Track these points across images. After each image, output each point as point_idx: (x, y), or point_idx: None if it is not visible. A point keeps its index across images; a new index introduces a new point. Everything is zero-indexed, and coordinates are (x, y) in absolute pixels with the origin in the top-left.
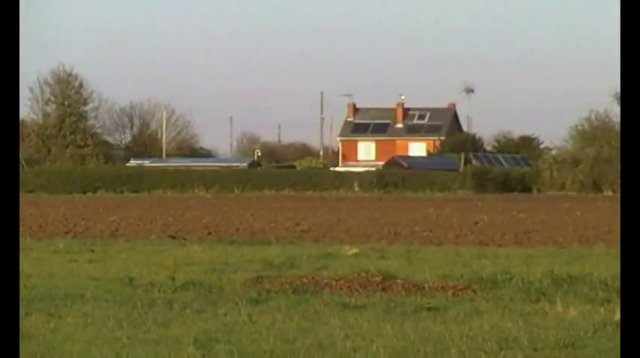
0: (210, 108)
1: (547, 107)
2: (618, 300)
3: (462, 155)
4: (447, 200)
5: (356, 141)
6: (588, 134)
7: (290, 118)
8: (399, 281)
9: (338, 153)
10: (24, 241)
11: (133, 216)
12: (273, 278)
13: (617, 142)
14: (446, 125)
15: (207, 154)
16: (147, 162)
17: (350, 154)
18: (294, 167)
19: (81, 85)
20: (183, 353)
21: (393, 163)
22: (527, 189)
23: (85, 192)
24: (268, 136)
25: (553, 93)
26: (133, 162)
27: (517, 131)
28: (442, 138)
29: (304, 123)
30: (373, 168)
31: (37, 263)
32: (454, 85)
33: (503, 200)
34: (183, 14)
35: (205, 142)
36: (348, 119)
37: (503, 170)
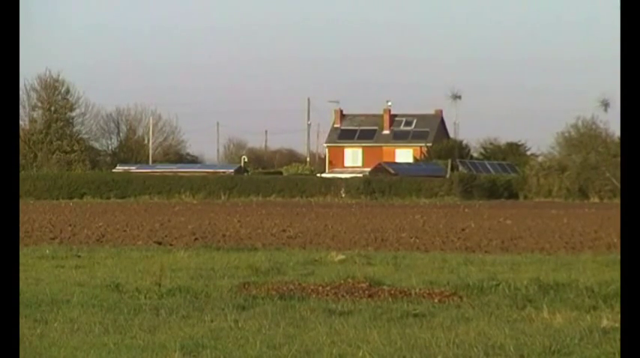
0: (197, 114)
1: (534, 114)
2: (605, 307)
3: (449, 161)
4: (433, 206)
5: (343, 147)
6: (575, 141)
7: (277, 124)
8: (386, 287)
9: (325, 159)
10: None
11: (120, 221)
12: (260, 285)
13: (603, 149)
14: (433, 131)
15: (193, 160)
16: (133, 168)
17: (337, 160)
18: (280, 173)
19: (67, 91)
20: None
21: (380, 169)
22: (513, 195)
23: (71, 198)
24: (255, 142)
25: (540, 100)
26: (119, 168)
27: (504, 138)
28: (429, 144)
29: (291, 129)
30: (360, 175)
31: (23, 269)
32: (441, 91)
33: (490, 206)
34: (169, 22)
35: (192, 148)
36: (335, 125)
37: (490, 176)
